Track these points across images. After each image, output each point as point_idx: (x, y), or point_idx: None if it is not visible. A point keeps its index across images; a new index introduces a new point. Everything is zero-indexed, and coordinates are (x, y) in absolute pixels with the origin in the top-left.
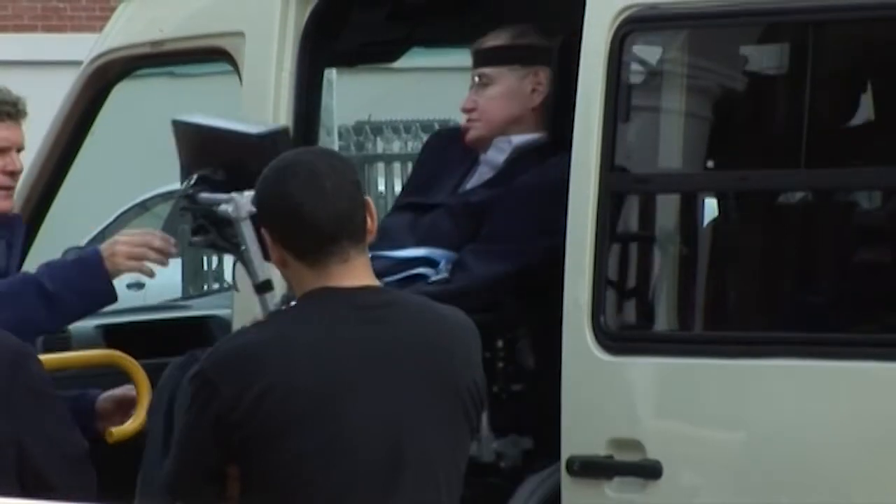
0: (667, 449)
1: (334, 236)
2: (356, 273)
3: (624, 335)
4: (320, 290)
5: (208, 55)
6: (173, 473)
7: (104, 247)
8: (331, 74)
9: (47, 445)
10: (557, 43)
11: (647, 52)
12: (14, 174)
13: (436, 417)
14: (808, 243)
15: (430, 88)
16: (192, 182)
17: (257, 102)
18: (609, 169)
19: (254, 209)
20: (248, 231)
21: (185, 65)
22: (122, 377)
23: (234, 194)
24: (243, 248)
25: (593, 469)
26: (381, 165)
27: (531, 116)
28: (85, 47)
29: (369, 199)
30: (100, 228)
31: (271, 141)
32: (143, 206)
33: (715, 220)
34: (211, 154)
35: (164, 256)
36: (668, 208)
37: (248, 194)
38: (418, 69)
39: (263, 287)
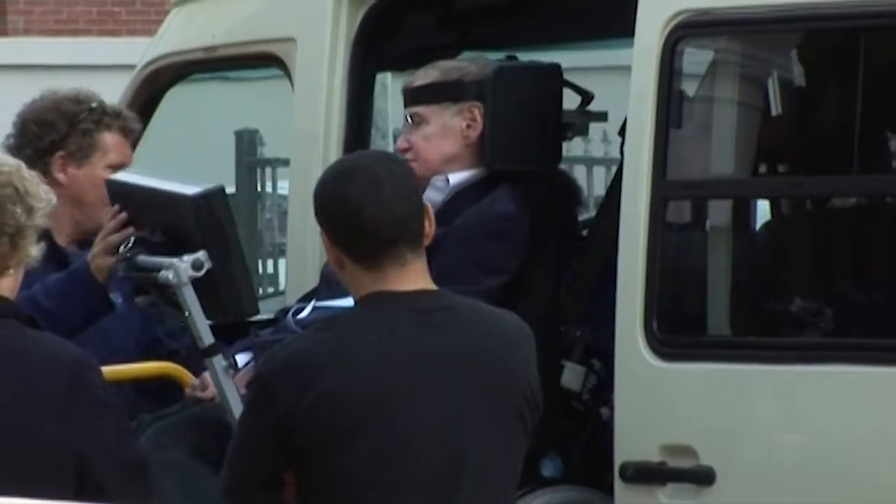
0: (720, 455)
1: (392, 240)
2: (413, 277)
3: (677, 341)
4: (377, 295)
5: (260, 61)
6: (231, 479)
7: (89, 255)
8: (385, 78)
9: (107, 457)
10: (489, 73)
11: (700, 57)
12: None
13: (493, 422)
14: (863, 248)
15: None
16: (130, 245)
17: (309, 107)
18: (661, 175)
19: (195, 273)
20: (189, 296)
21: (238, 70)
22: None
23: (174, 260)
24: (187, 313)
25: (646, 475)
26: None
27: (467, 153)
28: (139, 51)
29: (428, 203)
30: None
31: (206, 202)
32: None
33: (768, 225)
34: (147, 215)
35: (122, 229)
36: (720, 214)
37: (189, 259)
38: None
39: (210, 351)
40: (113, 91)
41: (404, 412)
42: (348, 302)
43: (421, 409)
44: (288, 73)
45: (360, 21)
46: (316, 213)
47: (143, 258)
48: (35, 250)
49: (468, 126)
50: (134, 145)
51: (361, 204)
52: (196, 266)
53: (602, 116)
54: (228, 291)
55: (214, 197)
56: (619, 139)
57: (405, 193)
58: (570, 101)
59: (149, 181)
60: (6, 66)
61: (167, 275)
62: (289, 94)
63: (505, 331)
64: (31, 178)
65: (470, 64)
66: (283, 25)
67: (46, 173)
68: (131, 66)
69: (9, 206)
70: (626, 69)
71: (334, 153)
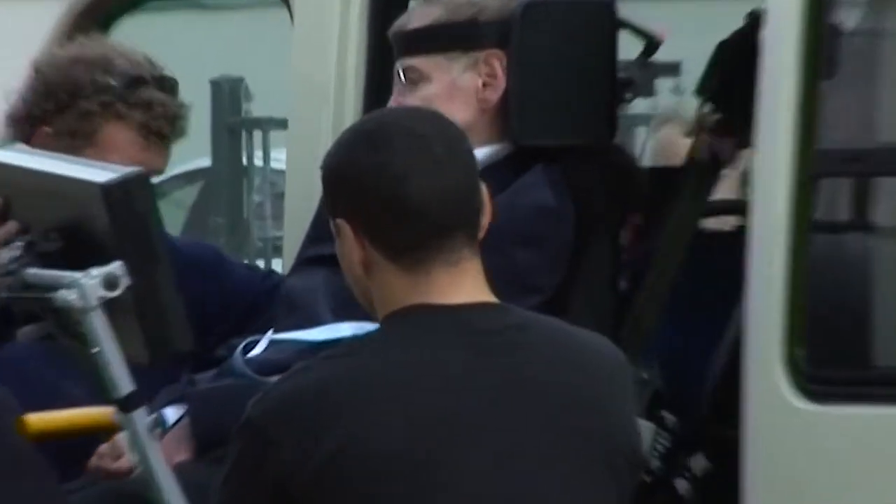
0: None
1: (446, 224)
2: (467, 283)
3: (830, 376)
4: (418, 308)
5: None
6: None
7: None
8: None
9: None
10: (515, 10)
11: (853, 10)
12: None
13: (575, 488)
14: None
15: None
16: (16, 254)
17: (315, 47)
18: (808, 145)
19: (107, 293)
20: (99, 324)
21: None
22: None
23: (77, 275)
24: (95, 349)
25: None
26: None
27: (484, 122)
28: None
29: (483, 184)
30: None
31: (122, 192)
32: (160, 190)
33: None
34: (41, 213)
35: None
36: (889, 196)
37: (98, 273)
38: None
39: (128, 403)
40: (30, 25)
41: (453, 474)
42: (319, 334)
43: (475, 469)
44: (286, 2)
45: None
46: (330, 193)
47: (32, 272)
48: None
49: (485, 85)
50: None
51: (404, 172)
52: (109, 283)
53: (673, 69)
54: (154, 318)
55: (134, 185)
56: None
57: (462, 159)
58: (628, 47)
59: (41, 162)
60: None
61: (68, 295)
62: (286, 28)
63: (595, 360)
64: None
65: None
66: None
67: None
68: None
69: None
70: None
71: (350, 111)
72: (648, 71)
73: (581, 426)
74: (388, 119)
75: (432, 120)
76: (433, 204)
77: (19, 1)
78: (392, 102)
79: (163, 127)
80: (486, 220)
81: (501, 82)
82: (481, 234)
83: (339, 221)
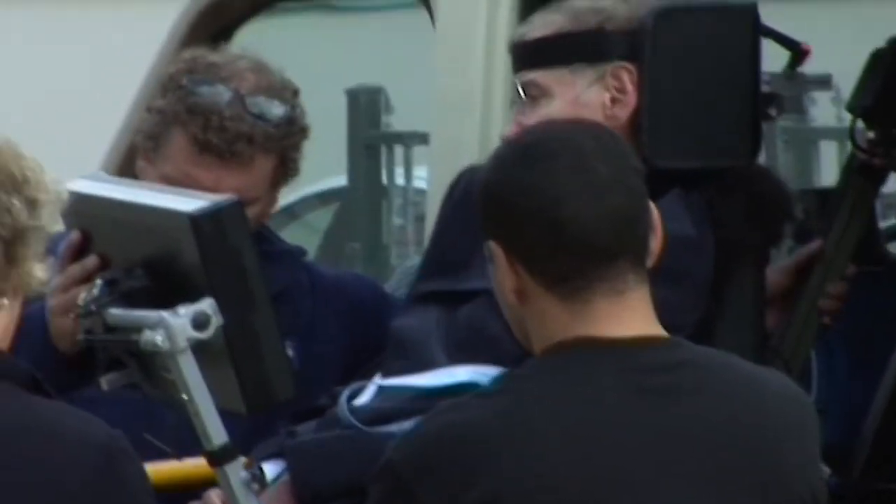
0: None
1: (609, 252)
2: (633, 314)
3: None
4: (578, 342)
5: None
6: None
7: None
8: None
9: None
10: (647, 18)
11: None
12: None
13: None
14: None
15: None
16: (95, 292)
17: (459, 56)
18: None
19: (197, 335)
20: (189, 369)
21: None
22: None
23: (164, 314)
24: (184, 396)
25: None
26: None
27: None
28: None
29: (652, 204)
30: None
31: (213, 223)
32: (291, 213)
33: None
34: (124, 247)
35: (93, 270)
36: None
37: (187, 311)
38: None
39: (222, 456)
40: (156, 26)
41: None
42: (433, 379)
43: None
44: (426, 2)
45: None
46: (482, 213)
47: (115, 312)
48: (41, 270)
49: (613, 100)
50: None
51: (564, 195)
52: (198, 322)
53: (824, 82)
54: (250, 363)
55: (227, 215)
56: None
57: (629, 180)
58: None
59: (125, 192)
60: None
61: (154, 337)
62: (428, 33)
63: (776, 401)
64: (29, 160)
65: (615, 3)
66: None
67: None
68: None
69: (0, 196)
70: None
71: (498, 124)
72: (796, 84)
73: (758, 472)
74: (548, 133)
75: (597, 135)
76: (594, 229)
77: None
78: (513, 122)
79: (215, 142)
80: (656, 244)
81: (632, 98)
82: (651, 261)
83: (492, 245)
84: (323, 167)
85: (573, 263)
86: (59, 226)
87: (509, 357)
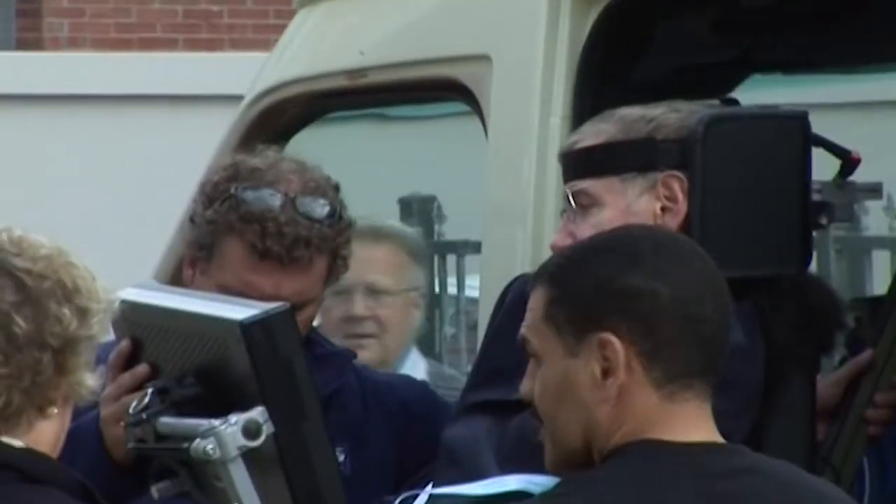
0: None
1: (717, 357)
2: (700, 420)
3: None
4: (646, 445)
5: (433, 91)
6: None
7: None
8: None
9: None
10: (697, 127)
11: None
12: None
13: None
14: None
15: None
16: (145, 400)
17: (512, 161)
18: None
19: (248, 443)
20: (240, 478)
21: (402, 104)
22: None
23: (214, 422)
24: None
25: None
26: None
27: None
28: (249, 75)
29: None
30: None
31: (264, 331)
32: None
33: None
34: (175, 355)
35: (143, 379)
36: None
37: (238, 420)
38: None
39: None
40: (209, 134)
41: None
42: (483, 488)
43: None
44: (478, 109)
45: (592, 28)
46: (606, 307)
47: (165, 420)
48: (91, 379)
49: (664, 209)
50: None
51: (702, 294)
52: (249, 431)
53: (875, 191)
54: (301, 473)
55: (278, 323)
56: None
57: (724, 293)
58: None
59: (176, 300)
60: (42, 97)
61: (205, 445)
62: (480, 141)
63: None
64: (81, 268)
65: (665, 112)
66: (470, 37)
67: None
68: (237, 98)
69: (52, 305)
70: None
71: (550, 232)
72: (847, 192)
73: None
74: (669, 235)
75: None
76: (720, 332)
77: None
78: (561, 231)
79: (274, 248)
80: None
81: (682, 207)
82: None
83: (604, 337)
84: None
85: (701, 360)
86: (109, 334)
87: None
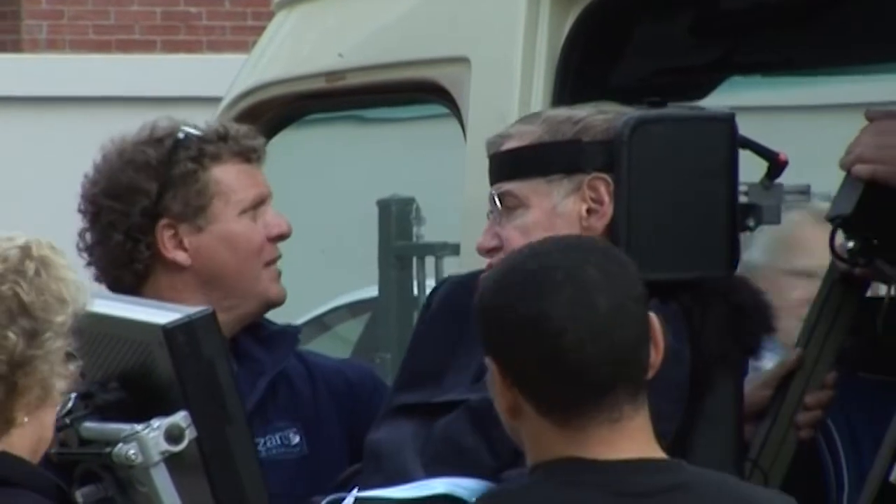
0: None
1: (605, 384)
2: (628, 439)
3: None
4: (568, 462)
5: (412, 93)
6: None
7: None
8: None
9: None
10: (623, 129)
11: None
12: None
13: None
14: None
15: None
16: (69, 405)
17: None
18: None
19: (171, 448)
20: (162, 483)
21: (380, 106)
22: None
23: (137, 427)
24: None
25: None
26: None
27: None
28: (227, 76)
29: (653, 315)
30: None
31: (186, 335)
32: (321, 324)
33: None
34: (99, 360)
35: None
36: None
37: (161, 424)
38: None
39: None
40: None
41: None
42: (409, 491)
43: None
44: (457, 112)
45: (570, 30)
46: (481, 330)
47: (89, 425)
48: (61, 384)
49: (590, 211)
50: None
51: (563, 327)
52: (172, 435)
53: (804, 193)
54: (225, 478)
55: (201, 326)
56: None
57: (629, 310)
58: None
59: (101, 304)
60: (20, 99)
61: (127, 450)
62: (459, 143)
63: None
64: (38, 283)
65: (592, 113)
66: (449, 39)
67: (157, 259)
68: (216, 100)
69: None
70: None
71: None
72: (774, 194)
73: None
74: (552, 261)
75: (600, 263)
76: (593, 363)
77: (174, 108)
78: (486, 232)
79: (252, 144)
80: (657, 357)
81: (608, 209)
82: (651, 373)
83: (488, 361)
84: (353, 278)
85: (569, 394)
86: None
87: (485, 469)
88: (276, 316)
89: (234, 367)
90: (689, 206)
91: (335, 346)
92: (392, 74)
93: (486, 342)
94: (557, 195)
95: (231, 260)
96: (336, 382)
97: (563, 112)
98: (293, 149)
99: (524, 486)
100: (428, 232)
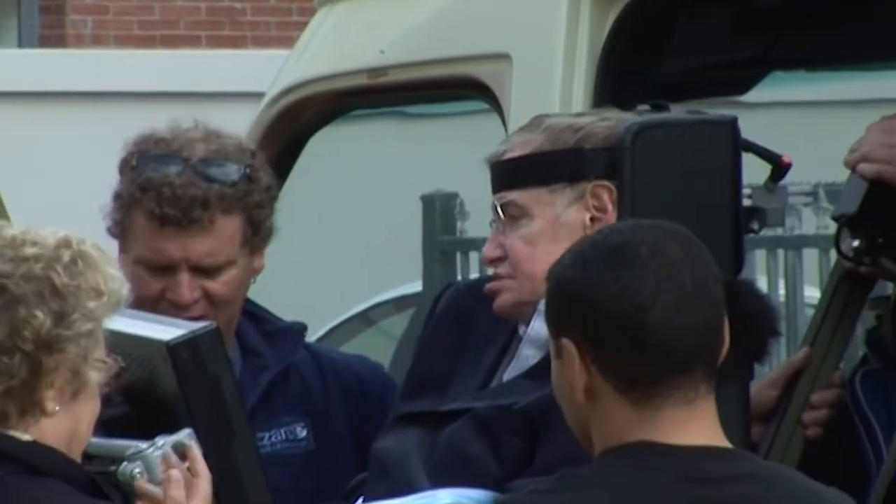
0: None
1: (686, 362)
2: (702, 423)
3: None
4: (641, 446)
5: (454, 89)
6: None
7: None
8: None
9: None
10: (625, 135)
11: None
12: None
13: None
14: None
15: (796, 131)
16: None
17: None
18: None
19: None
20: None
21: (422, 103)
22: None
23: (141, 444)
24: None
25: None
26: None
27: None
28: (270, 72)
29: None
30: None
31: (190, 351)
32: (365, 319)
33: None
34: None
35: None
36: None
37: (166, 442)
38: (781, 104)
39: None
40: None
41: None
42: (414, 501)
43: None
44: (499, 109)
45: (611, 26)
46: (557, 309)
47: (93, 441)
48: (95, 371)
49: (593, 220)
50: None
51: (649, 304)
52: (177, 453)
53: (809, 193)
54: (230, 491)
55: (205, 342)
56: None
57: (712, 289)
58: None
59: (116, 320)
60: (65, 94)
61: (132, 469)
62: (501, 137)
63: None
64: (73, 268)
65: (594, 120)
66: (490, 35)
67: None
68: (259, 95)
69: (21, 310)
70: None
71: None
72: (778, 197)
73: None
74: (637, 237)
75: (683, 243)
76: (676, 339)
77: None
78: (490, 242)
79: (171, 213)
80: (725, 348)
81: (612, 217)
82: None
83: (565, 342)
84: (398, 273)
85: (650, 370)
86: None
87: (491, 478)
88: (321, 310)
89: (239, 363)
90: (693, 210)
91: (379, 341)
92: (434, 71)
93: (564, 321)
94: (560, 204)
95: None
96: (346, 378)
97: (565, 120)
98: (337, 145)
99: (599, 467)
100: (472, 227)
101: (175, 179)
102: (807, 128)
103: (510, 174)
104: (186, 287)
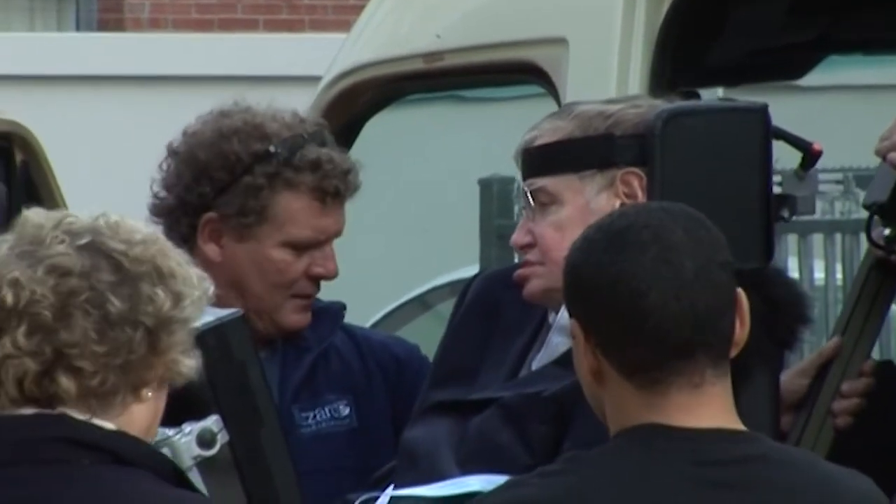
0: None
1: (687, 347)
2: (708, 407)
3: None
4: (651, 429)
5: (510, 73)
6: None
7: None
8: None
9: None
10: (656, 122)
11: None
12: (322, 280)
13: None
14: None
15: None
16: None
17: None
18: None
19: (203, 452)
20: (197, 485)
21: (479, 87)
22: None
23: (168, 431)
24: None
25: None
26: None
27: None
28: (327, 56)
29: (741, 291)
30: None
31: (216, 338)
32: (422, 303)
33: None
34: None
35: None
36: None
37: (193, 429)
38: (836, 87)
39: None
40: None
41: None
42: (444, 489)
43: None
44: (555, 92)
45: (668, 10)
46: (568, 290)
47: None
48: (188, 361)
49: (624, 206)
50: None
51: (647, 286)
52: (204, 440)
53: (839, 181)
54: (258, 481)
55: (231, 330)
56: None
57: (714, 274)
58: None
59: None
60: (123, 78)
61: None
62: None
63: (852, 502)
64: (174, 254)
65: (624, 107)
66: (547, 20)
67: (193, 240)
68: (317, 79)
69: (145, 286)
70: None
71: None
72: (809, 184)
73: None
74: (640, 220)
75: (688, 226)
76: (674, 324)
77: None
78: (521, 229)
79: (338, 185)
80: (742, 333)
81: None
82: (736, 350)
83: (573, 325)
84: (455, 257)
85: (651, 355)
86: (205, 318)
87: (520, 465)
88: (378, 294)
89: (279, 344)
90: (723, 198)
91: (436, 325)
92: (490, 55)
93: (572, 302)
94: (590, 191)
95: (257, 282)
96: (384, 357)
97: (595, 107)
98: (394, 129)
99: (607, 450)
100: None
101: (334, 155)
102: (865, 111)
103: (540, 161)
104: (333, 259)
